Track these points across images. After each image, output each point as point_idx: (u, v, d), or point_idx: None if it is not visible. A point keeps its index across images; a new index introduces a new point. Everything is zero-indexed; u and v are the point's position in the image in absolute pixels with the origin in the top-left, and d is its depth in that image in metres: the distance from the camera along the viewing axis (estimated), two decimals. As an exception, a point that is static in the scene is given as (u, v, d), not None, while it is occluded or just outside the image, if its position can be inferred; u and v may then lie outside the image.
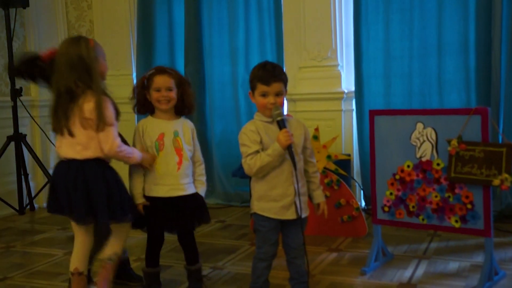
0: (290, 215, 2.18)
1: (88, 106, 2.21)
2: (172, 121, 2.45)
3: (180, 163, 2.40)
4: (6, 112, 4.33)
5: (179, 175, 2.40)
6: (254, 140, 2.16)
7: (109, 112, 2.23)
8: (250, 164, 2.15)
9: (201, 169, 2.50)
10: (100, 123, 2.21)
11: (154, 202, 2.41)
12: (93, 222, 2.30)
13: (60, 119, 2.24)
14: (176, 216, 2.41)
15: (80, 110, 2.22)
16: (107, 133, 2.22)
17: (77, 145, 2.25)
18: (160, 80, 2.40)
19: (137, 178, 2.42)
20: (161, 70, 2.43)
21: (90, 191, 2.22)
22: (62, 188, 2.25)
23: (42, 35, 4.72)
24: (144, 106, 2.47)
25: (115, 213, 2.26)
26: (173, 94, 2.41)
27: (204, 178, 2.51)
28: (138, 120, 4.62)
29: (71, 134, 2.24)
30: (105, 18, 4.94)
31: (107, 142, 2.23)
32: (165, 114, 2.44)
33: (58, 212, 2.34)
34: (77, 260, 2.36)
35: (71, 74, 2.21)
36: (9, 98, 4.31)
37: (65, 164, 2.28)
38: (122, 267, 2.61)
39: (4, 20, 4.29)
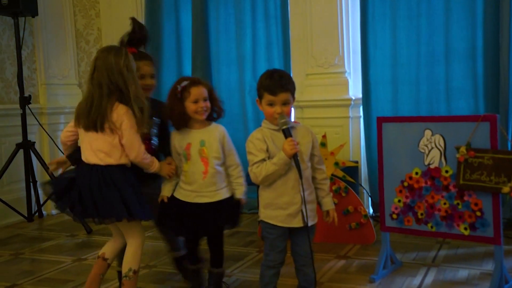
0: (297, 223, 2.19)
1: (117, 111, 2.27)
2: (200, 130, 2.47)
3: (206, 172, 2.43)
4: (15, 119, 4.37)
5: (205, 183, 2.43)
6: (261, 148, 2.17)
7: (133, 120, 2.28)
8: (256, 172, 2.16)
9: (237, 171, 2.50)
10: (127, 129, 2.27)
11: (181, 206, 2.47)
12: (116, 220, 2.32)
13: (94, 114, 2.28)
14: (201, 221, 2.45)
15: (110, 113, 2.27)
16: (133, 140, 2.29)
17: (100, 153, 2.30)
18: (197, 91, 2.43)
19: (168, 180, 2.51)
20: (195, 81, 2.47)
21: (119, 191, 2.28)
22: (86, 191, 2.29)
23: (51, 43, 4.77)
24: (183, 120, 2.45)
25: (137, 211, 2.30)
26: (209, 104, 2.47)
27: (241, 180, 2.50)
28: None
29: (101, 128, 2.27)
30: (113, 26, 4.98)
31: (134, 149, 2.30)
32: (199, 123, 2.48)
33: (85, 216, 2.35)
34: (107, 248, 2.46)
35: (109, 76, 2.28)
36: (18, 106, 4.35)
37: (87, 167, 2.32)
38: (178, 264, 2.77)
39: (13, 28, 4.34)
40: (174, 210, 2.49)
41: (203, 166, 2.43)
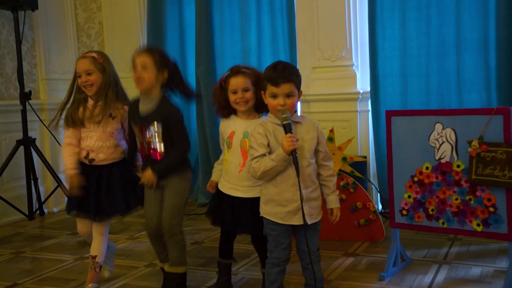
0: (297, 220, 2.17)
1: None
2: (248, 121, 2.46)
3: (243, 165, 2.41)
4: (15, 115, 4.37)
5: (240, 176, 2.43)
6: (261, 143, 2.17)
7: None
8: (255, 167, 2.16)
9: None
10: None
11: (221, 196, 2.50)
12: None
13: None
14: (236, 215, 2.45)
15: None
16: None
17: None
18: (235, 82, 2.43)
19: None
20: (235, 71, 2.46)
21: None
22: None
23: (51, 37, 4.76)
24: (226, 108, 2.50)
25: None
26: (250, 94, 2.43)
27: None
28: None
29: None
30: (114, 19, 4.98)
31: None
32: (243, 113, 2.48)
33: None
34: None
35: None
36: (18, 102, 4.35)
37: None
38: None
39: (13, 22, 4.34)
40: (215, 199, 2.54)
41: (241, 158, 2.42)
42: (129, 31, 4.93)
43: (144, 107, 2.53)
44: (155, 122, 2.48)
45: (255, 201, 2.38)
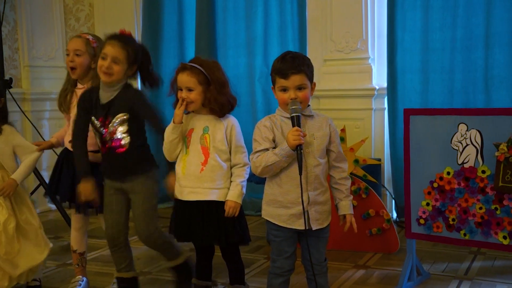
0: (301, 225, 2.17)
1: None
2: (206, 116, 2.44)
3: (204, 163, 2.39)
4: (-6, 104, 4.37)
5: (201, 177, 2.39)
6: (266, 137, 2.17)
7: None
8: (256, 162, 2.17)
9: (239, 171, 2.42)
10: None
11: (180, 206, 2.45)
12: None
13: None
14: (200, 223, 2.40)
15: None
16: None
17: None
18: (180, 79, 2.40)
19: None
20: (182, 67, 2.42)
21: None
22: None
23: (36, 19, 4.76)
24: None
25: None
26: (195, 95, 2.38)
27: (238, 180, 2.41)
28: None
29: None
30: (106, 1, 4.98)
31: None
32: (202, 109, 2.45)
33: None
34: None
35: None
36: (-3, 90, 4.35)
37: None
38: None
39: (-7, 2, 4.35)
40: (175, 210, 2.48)
41: (202, 156, 2.40)
42: (122, 15, 4.92)
43: (105, 97, 2.55)
44: (120, 112, 2.52)
45: (220, 207, 2.37)
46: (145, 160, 2.60)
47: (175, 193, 2.48)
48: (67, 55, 2.73)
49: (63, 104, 2.78)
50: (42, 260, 2.80)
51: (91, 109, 2.58)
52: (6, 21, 4.57)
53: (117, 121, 2.53)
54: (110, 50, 2.49)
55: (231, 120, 2.46)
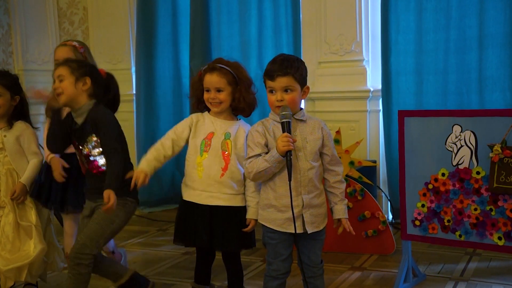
0: (297, 228, 2.16)
1: None
2: (227, 121, 2.44)
3: (225, 169, 2.38)
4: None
5: (222, 182, 2.37)
6: (258, 142, 2.18)
7: None
8: (248, 168, 2.18)
9: (246, 181, 2.40)
10: None
11: (191, 208, 2.42)
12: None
13: None
14: (216, 230, 2.38)
15: None
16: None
17: None
18: (209, 79, 2.39)
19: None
20: (211, 68, 2.41)
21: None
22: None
23: (30, 23, 4.76)
24: (203, 103, 2.47)
25: None
26: (224, 96, 2.39)
27: (246, 192, 2.41)
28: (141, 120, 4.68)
29: None
30: (100, 5, 4.98)
31: None
32: (220, 114, 2.45)
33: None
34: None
35: None
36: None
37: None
38: None
39: (-13, 6, 4.34)
40: (182, 214, 2.45)
41: (223, 161, 2.38)
42: (116, 18, 4.92)
43: (78, 120, 2.51)
44: (90, 136, 2.48)
45: (240, 211, 2.36)
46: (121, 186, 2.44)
47: (183, 195, 2.44)
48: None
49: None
50: (34, 257, 2.73)
51: (67, 128, 2.54)
52: (0, 25, 4.57)
53: (90, 144, 2.49)
54: (55, 73, 2.49)
55: (247, 125, 2.46)
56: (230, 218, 2.38)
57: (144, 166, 2.40)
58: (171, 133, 2.46)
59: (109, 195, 2.33)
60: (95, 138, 2.48)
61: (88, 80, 2.49)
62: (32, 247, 2.74)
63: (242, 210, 2.40)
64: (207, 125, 2.44)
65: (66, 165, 2.77)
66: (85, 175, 2.60)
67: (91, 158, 2.51)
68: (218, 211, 2.38)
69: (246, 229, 2.35)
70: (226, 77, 2.39)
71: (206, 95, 2.42)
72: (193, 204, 2.41)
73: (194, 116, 2.49)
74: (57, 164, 2.76)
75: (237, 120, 2.50)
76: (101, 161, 2.51)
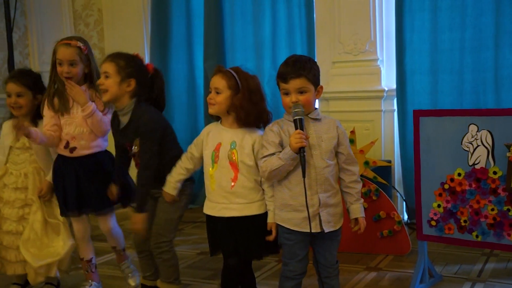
0: (313, 228, 2.16)
1: None
2: (233, 130, 2.36)
3: (235, 179, 2.33)
4: (5, 112, 4.40)
5: (234, 193, 2.33)
6: (272, 141, 2.18)
7: None
8: (263, 167, 2.18)
9: (264, 186, 2.34)
10: None
11: (210, 221, 2.42)
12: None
13: None
14: (237, 240, 2.35)
15: None
16: None
17: None
18: (212, 80, 2.37)
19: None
20: (217, 70, 2.38)
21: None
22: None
23: (46, 25, 4.80)
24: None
25: None
26: (221, 98, 2.32)
27: (265, 196, 2.35)
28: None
29: None
30: (115, 6, 5.00)
31: None
32: (225, 121, 2.40)
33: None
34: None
35: None
36: (8, 96, 4.37)
37: None
38: None
39: (3, 8, 4.37)
40: (210, 226, 2.43)
41: (232, 171, 2.33)
42: (131, 19, 4.94)
43: (122, 121, 2.58)
44: (135, 138, 2.54)
45: (257, 219, 2.32)
46: (151, 180, 2.54)
47: (204, 207, 2.43)
48: (60, 64, 2.68)
49: (61, 103, 2.71)
50: (63, 254, 2.78)
51: (117, 135, 2.63)
52: (17, 27, 4.61)
53: (136, 145, 2.55)
54: (102, 66, 2.53)
55: (259, 135, 2.35)
56: (247, 227, 2.33)
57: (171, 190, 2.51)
58: (188, 151, 2.49)
59: (135, 221, 2.49)
60: (137, 142, 2.54)
61: (133, 82, 2.52)
62: (61, 244, 2.78)
63: (260, 217, 2.33)
64: (216, 135, 2.40)
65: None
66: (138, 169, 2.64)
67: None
68: (234, 222, 2.34)
69: (269, 238, 2.28)
70: (227, 80, 2.33)
71: (208, 96, 2.39)
72: (211, 216, 2.41)
73: (206, 128, 2.46)
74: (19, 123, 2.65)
75: (246, 128, 2.37)
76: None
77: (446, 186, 2.70)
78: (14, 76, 2.86)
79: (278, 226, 2.25)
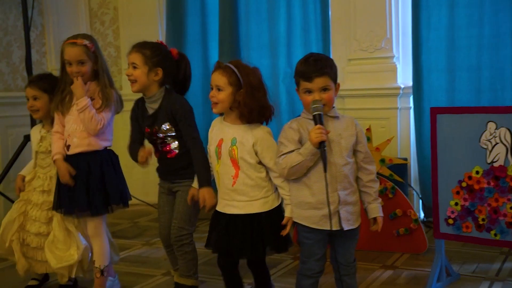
0: (333, 225, 2.15)
1: None
2: (235, 126, 2.36)
3: (236, 176, 2.32)
4: (23, 109, 4.38)
5: (235, 190, 2.33)
6: (292, 138, 2.17)
7: None
8: (282, 164, 2.17)
9: (278, 181, 2.31)
10: None
11: (215, 216, 2.43)
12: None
13: None
14: (232, 237, 2.34)
15: None
16: None
17: None
18: (212, 77, 2.36)
19: None
20: (216, 66, 2.38)
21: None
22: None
23: (62, 23, 4.83)
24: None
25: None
26: (223, 96, 2.30)
27: (281, 191, 2.31)
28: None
29: None
30: (130, 5, 5.02)
31: None
32: (228, 117, 2.39)
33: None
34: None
35: None
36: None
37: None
38: None
39: (20, 7, 4.40)
40: (213, 223, 2.44)
41: (233, 169, 2.33)
42: (147, 17, 4.96)
43: (150, 107, 2.63)
44: (165, 123, 2.59)
45: (254, 218, 2.31)
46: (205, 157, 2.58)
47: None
48: (69, 64, 2.67)
49: (61, 105, 2.74)
50: (78, 257, 2.78)
51: (138, 119, 2.67)
52: (34, 26, 4.64)
53: (164, 130, 2.59)
54: (129, 57, 2.59)
55: (261, 132, 2.33)
56: (248, 226, 2.31)
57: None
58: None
59: (204, 197, 2.45)
60: (168, 126, 2.58)
61: (160, 71, 2.58)
62: (75, 248, 2.79)
63: (262, 215, 2.32)
64: (219, 131, 2.39)
65: (73, 172, 2.66)
66: (158, 159, 2.69)
67: (165, 143, 2.61)
68: (235, 219, 2.34)
69: (283, 232, 2.27)
70: (228, 76, 2.30)
71: (210, 93, 2.37)
72: (217, 211, 2.42)
73: (212, 123, 2.48)
74: (64, 169, 2.65)
75: (249, 124, 2.34)
76: (173, 145, 2.62)
77: (464, 184, 2.68)
78: (32, 81, 2.94)
79: (297, 224, 2.24)
